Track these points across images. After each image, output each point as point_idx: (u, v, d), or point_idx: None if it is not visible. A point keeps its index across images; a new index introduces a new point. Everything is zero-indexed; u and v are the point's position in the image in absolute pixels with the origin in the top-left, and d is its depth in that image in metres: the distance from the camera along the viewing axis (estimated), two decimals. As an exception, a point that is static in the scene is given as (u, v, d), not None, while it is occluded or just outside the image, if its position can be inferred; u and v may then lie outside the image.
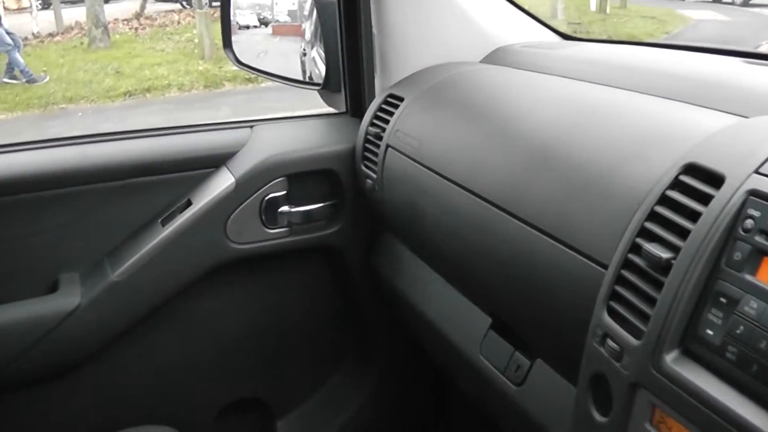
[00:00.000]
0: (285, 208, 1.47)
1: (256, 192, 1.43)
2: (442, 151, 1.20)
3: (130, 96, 9.16)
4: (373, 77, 1.51)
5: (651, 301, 0.72)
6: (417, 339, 1.51)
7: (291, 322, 1.60)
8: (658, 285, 0.71)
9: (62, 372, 1.43)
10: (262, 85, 9.13)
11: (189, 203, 1.42)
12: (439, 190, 1.17)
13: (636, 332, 0.72)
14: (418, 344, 1.54)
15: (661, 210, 0.75)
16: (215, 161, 1.45)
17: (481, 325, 1.16)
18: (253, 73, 1.71)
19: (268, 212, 1.45)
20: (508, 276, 1.02)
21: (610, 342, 0.75)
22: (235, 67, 1.84)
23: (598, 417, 0.78)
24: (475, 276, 1.13)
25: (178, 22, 13.04)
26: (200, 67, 10.07)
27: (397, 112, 1.37)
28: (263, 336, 1.59)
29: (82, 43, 11.23)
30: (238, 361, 1.58)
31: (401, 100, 1.38)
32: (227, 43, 1.66)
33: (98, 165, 1.39)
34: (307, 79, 1.86)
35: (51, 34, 12.05)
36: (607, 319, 0.76)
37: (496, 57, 1.49)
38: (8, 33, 9.45)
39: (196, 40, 10.99)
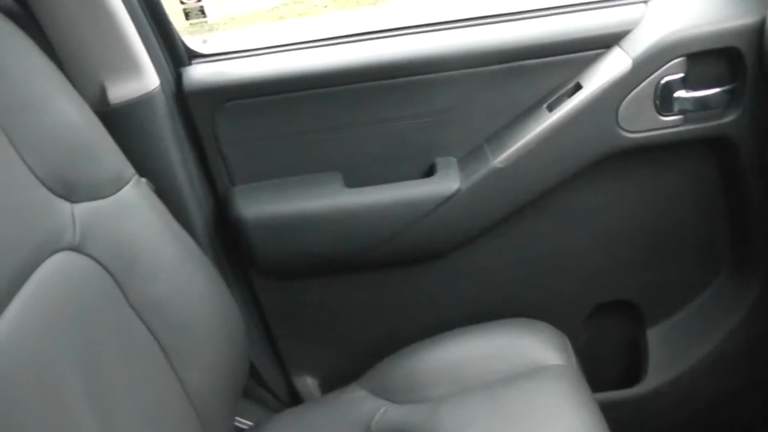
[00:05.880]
0: (680, 93, 1.34)
1: (653, 74, 1.31)
2: None
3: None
4: None
5: None
6: None
7: (672, 221, 1.48)
8: None
9: (431, 257, 1.45)
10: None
11: (578, 87, 1.34)
12: None
13: None
14: None
15: None
16: (606, 41, 1.35)
17: None
18: None
19: (663, 97, 1.33)
20: None
21: None
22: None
23: None
24: None
25: None
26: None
27: None
28: (641, 235, 1.48)
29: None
30: (614, 259, 1.50)
31: None
32: None
33: (481, 48, 1.36)
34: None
35: None
36: None
37: None
38: None
39: None
